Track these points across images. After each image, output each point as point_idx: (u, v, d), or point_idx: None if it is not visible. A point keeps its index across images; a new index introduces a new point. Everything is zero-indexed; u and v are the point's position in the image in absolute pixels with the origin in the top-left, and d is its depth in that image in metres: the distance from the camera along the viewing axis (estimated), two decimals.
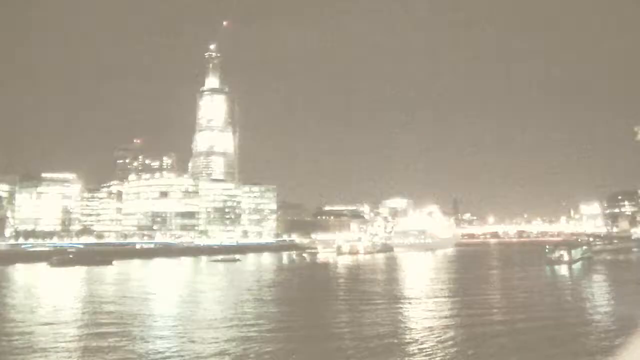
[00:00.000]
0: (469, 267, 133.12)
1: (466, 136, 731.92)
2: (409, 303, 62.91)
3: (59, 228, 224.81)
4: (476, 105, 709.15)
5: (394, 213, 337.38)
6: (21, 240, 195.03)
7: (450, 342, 39.94)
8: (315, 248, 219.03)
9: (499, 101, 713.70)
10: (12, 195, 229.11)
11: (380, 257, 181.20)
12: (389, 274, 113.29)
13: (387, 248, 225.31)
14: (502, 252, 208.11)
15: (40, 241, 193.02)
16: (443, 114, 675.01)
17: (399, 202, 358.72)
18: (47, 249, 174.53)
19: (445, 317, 51.97)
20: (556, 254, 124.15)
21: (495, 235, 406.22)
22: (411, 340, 40.84)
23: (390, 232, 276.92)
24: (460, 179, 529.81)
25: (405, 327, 47.46)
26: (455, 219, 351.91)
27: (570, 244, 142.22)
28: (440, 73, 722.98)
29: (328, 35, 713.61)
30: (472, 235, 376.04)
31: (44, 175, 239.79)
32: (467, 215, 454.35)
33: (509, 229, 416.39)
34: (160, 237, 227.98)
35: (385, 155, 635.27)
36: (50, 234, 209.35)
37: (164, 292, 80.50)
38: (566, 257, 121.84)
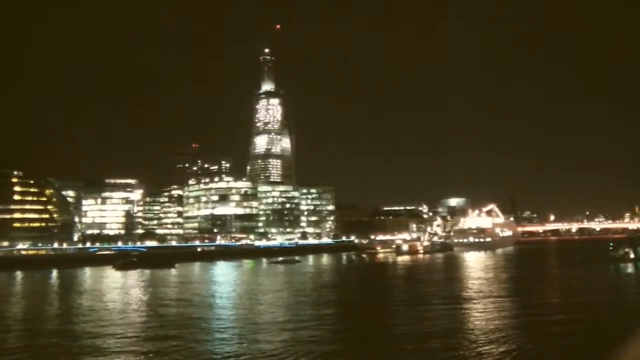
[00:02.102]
0: (529, 266, 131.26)
1: (524, 133, 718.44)
2: (469, 303, 62.13)
3: (122, 232, 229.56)
4: (533, 104, 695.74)
5: (453, 212, 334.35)
6: (88, 244, 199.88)
7: (510, 345, 39.50)
8: (374, 248, 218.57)
9: (556, 100, 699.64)
10: (78, 200, 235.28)
11: (440, 257, 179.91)
12: (448, 274, 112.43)
13: (446, 247, 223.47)
14: (563, 250, 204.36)
15: (105, 245, 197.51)
16: (501, 112, 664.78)
17: (457, 201, 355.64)
18: (111, 252, 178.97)
19: (505, 318, 51.26)
20: (620, 252, 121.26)
21: (555, 233, 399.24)
22: (471, 342, 40.57)
23: (449, 231, 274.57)
24: (519, 176, 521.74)
25: (465, 328, 46.95)
26: (514, 217, 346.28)
27: (635, 241, 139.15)
28: (493, 71, 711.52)
29: (382, 35, 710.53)
30: (532, 234, 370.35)
31: (107, 180, 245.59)
32: (526, 213, 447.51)
33: (570, 227, 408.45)
34: (221, 240, 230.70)
35: (443, 154, 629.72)
36: (114, 238, 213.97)
37: (225, 294, 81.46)
38: (631, 255, 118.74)
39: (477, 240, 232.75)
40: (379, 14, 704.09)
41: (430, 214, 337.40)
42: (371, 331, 46.03)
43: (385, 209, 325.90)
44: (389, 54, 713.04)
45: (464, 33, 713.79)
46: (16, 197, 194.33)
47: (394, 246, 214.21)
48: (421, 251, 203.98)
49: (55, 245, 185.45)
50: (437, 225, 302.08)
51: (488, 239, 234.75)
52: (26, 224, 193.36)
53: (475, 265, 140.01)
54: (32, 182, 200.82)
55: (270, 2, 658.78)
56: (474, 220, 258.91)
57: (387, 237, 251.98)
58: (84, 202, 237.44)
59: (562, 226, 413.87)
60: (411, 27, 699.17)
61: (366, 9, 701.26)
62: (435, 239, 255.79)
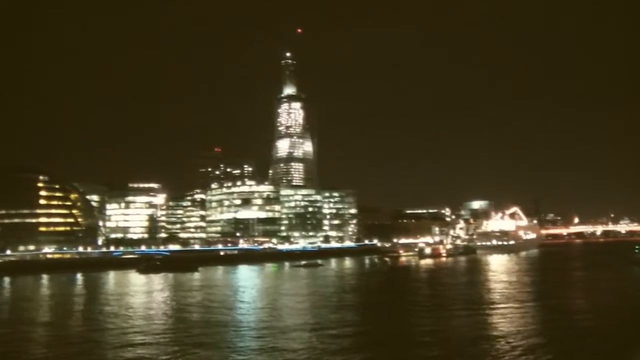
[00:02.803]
0: (553, 268, 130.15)
1: (546, 135, 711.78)
2: (494, 308, 61.68)
3: (146, 236, 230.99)
4: (556, 106, 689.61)
5: (475, 215, 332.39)
6: (112, 248, 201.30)
7: (537, 350, 39.17)
8: (397, 252, 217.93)
9: (582, 103, 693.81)
10: (102, 205, 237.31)
11: (463, 260, 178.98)
12: (472, 277, 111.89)
13: (469, 250, 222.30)
14: (588, 253, 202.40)
15: (129, 249, 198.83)
16: (522, 114, 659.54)
17: (480, 204, 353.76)
18: (135, 256, 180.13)
19: (530, 323, 50.85)
20: None
21: (580, 235, 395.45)
22: (498, 347, 40.29)
23: (472, 234, 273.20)
24: (542, 179, 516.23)
25: (491, 333, 46.57)
26: (538, 220, 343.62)
27: None
28: (515, 73, 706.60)
29: (402, 39, 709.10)
30: (556, 236, 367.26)
31: (130, 185, 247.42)
32: (550, 216, 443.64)
33: (595, 229, 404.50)
34: (244, 244, 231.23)
35: (465, 157, 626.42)
36: (138, 242, 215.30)
37: (248, 298, 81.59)
38: None
39: (500, 243, 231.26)
40: (400, 16, 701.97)
41: (453, 217, 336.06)
42: (394, 336, 45.86)
43: (408, 212, 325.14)
44: (410, 56, 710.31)
45: (488, 35, 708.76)
46: (42, 202, 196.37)
47: (416, 249, 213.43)
48: (444, 254, 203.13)
49: (80, 249, 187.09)
50: (460, 228, 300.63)
51: (511, 242, 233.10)
52: (52, 228, 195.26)
53: (499, 268, 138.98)
54: (57, 186, 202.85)
55: (291, 6, 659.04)
56: (497, 223, 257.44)
57: (410, 240, 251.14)
58: (107, 206, 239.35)
59: (586, 229, 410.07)
60: (429, 29, 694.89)
61: (389, 11, 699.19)
62: (458, 242, 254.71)
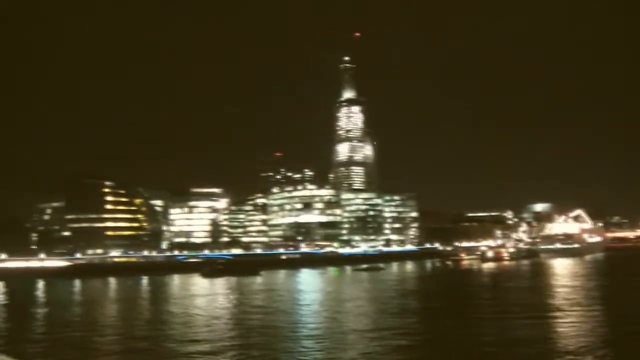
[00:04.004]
0: (619, 273, 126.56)
1: (610, 136, 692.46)
2: (558, 313, 59.97)
3: (209, 240, 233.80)
4: (620, 103, 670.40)
5: (538, 218, 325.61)
6: (175, 252, 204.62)
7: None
8: (458, 255, 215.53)
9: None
10: (166, 209, 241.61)
11: (526, 264, 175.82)
12: (536, 281, 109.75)
13: (532, 254, 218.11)
14: None
15: (192, 253, 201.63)
16: (586, 113, 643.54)
17: (542, 207, 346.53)
18: (198, 260, 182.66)
19: (597, 329, 49.42)
20: None
21: None
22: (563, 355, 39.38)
23: (535, 237, 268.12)
24: (608, 180, 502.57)
25: (556, 340, 45.48)
26: (603, 223, 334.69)
27: None
28: (575, 73, 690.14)
29: (461, 40, 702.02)
30: (622, 239, 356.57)
31: (193, 190, 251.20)
32: (616, 219, 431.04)
33: None
34: (305, 248, 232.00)
35: (527, 158, 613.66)
36: (201, 246, 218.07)
37: (309, 302, 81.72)
38: None
39: (564, 246, 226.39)
40: (460, 19, 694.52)
41: (515, 219, 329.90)
42: (456, 344, 45.17)
43: (469, 215, 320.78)
44: (467, 59, 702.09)
45: (554, 33, 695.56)
46: (108, 207, 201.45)
47: (478, 253, 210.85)
48: (507, 258, 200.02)
49: (145, 252, 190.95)
50: (523, 232, 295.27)
51: (576, 245, 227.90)
52: (118, 233, 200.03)
53: (563, 272, 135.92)
54: (123, 192, 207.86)
55: (349, 10, 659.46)
56: (561, 226, 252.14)
57: (472, 243, 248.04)
58: (171, 210, 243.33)
59: None
60: (488, 30, 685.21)
61: (447, 14, 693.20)
62: (521, 245, 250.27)
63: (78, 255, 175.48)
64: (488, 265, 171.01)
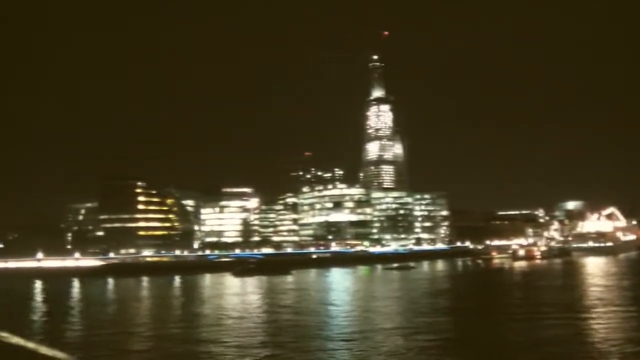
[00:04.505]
0: None
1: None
2: (592, 313, 59.25)
3: (240, 239, 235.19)
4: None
5: (570, 216, 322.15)
6: (207, 251, 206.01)
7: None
8: (490, 254, 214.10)
9: None
10: (197, 209, 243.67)
11: (558, 262, 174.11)
12: (568, 280, 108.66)
13: (564, 252, 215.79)
14: None
15: (223, 252, 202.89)
16: (618, 109, 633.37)
17: (574, 205, 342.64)
18: (229, 259, 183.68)
19: (631, 330, 48.62)
20: None
21: None
22: (596, 354, 39.06)
23: (567, 235, 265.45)
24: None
25: (588, 341, 44.85)
26: (637, 221, 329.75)
27: None
28: (608, 69, 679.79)
29: (491, 37, 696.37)
30: None
31: (224, 190, 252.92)
32: None
33: None
34: (335, 247, 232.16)
35: (557, 156, 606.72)
36: (232, 245, 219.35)
37: (340, 301, 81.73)
38: None
39: (597, 245, 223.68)
40: (487, 17, 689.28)
41: (547, 218, 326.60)
42: (487, 343, 45.01)
43: (500, 213, 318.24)
44: (500, 56, 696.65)
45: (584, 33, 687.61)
46: (140, 207, 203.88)
47: (509, 251, 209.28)
48: (538, 256, 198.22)
49: (177, 252, 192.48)
50: (555, 230, 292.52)
51: (609, 244, 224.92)
52: (150, 232, 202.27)
53: (597, 271, 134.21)
54: (154, 192, 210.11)
55: (377, 9, 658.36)
56: (594, 224, 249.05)
57: (503, 242, 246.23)
58: (202, 210, 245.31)
59: None
60: (518, 30, 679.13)
61: (474, 12, 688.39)
62: (553, 243, 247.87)
63: (111, 255, 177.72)
64: (519, 264, 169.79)
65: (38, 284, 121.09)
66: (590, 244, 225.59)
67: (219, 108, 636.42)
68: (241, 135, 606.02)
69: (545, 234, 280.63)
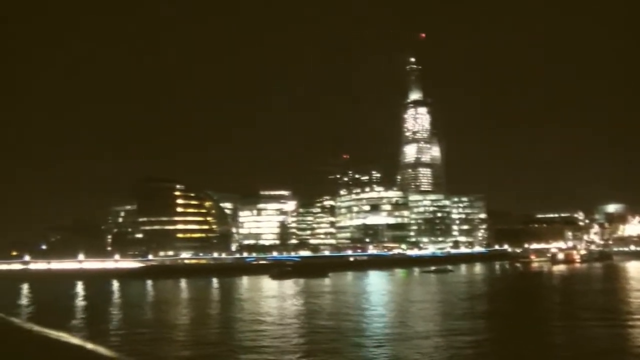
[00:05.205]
0: None
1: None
2: (633, 318, 57.81)
3: (277, 242, 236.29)
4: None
5: (611, 219, 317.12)
6: (245, 254, 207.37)
7: None
8: (528, 257, 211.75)
9: None
10: (235, 212, 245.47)
11: (598, 266, 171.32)
12: (609, 284, 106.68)
13: (605, 256, 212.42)
14: None
15: (261, 255, 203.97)
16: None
17: (615, 207, 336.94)
18: (267, 262, 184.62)
19: None
20: None
21: None
22: None
23: (608, 239, 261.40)
24: None
25: (629, 347, 44.02)
26: None
27: None
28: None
29: (527, 37, 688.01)
30: None
31: (262, 192, 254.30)
32: None
33: None
34: (373, 249, 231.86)
35: (599, 157, 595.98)
36: (269, 248, 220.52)
37: (378, 304, 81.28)
38: None
39: (639, 248, 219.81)
40: (527, 18, 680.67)
41: (587, 221, 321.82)
42: (524, 347, 44.43)
43: (539, 216, 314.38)
44: (537, 58, 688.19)
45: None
46: (179, 210, 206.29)
47: (548, 255, 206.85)
48: (578, 260, 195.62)
49: (215, 254, 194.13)
50: (595, 233, 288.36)
51: None
52: (188, 235, 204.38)
53: (638, 275, 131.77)
54: (192, 195, 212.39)
55: (413, 11, 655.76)
56: (635, 227, 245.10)
57: (542, 245, 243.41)
58: (240, 213, 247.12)
59: None
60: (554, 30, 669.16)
61: (516, 12, 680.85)
62: (593, 247, 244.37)
63: (150, 257, 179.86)
64: (559, 268, 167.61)
65: (80, 285, 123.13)
66: (632, 247, 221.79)
67: (254, 118, 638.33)
68: (280, 139, 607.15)
69: (585, 237, 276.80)
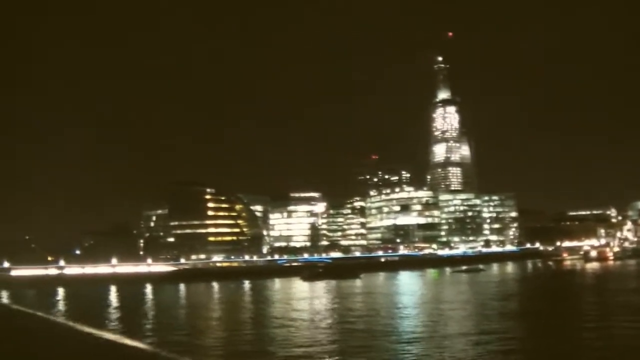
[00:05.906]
0: None
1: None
2: None
3: (308, 244, 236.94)
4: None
5: None
6: (276, 256, 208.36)
7: None
8: (560, 255, 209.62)
9: None
10: (265, 214, 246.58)
11: (632, 264, 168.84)
12: None
13: (638, 254, 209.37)
14: None
15: (292, 257, 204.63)
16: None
17: None
18: (298, 264, 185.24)
19: None
20: None
21: None
22: None
23: None
24: None
25: None
26: None
27: None
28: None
29: (556, 35, 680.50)
30: None
31: (292, 194, 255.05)
32: None
33: None
34: (404, 250, 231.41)
35: (631, 152, 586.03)
36: (300, 250, 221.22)
37: (410, 305, 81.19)
38: None
39: None
40: (555, 16, 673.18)
41: (620, 218, 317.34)
42: (556, 347, 44.19)
43: (571, 214, 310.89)
44: (565, 54, 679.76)
45: None
46: (210, 213, 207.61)
47: (581, 253, 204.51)
48: (611, 258, 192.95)
49: (246, 257, 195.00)
50: (628, 230, 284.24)
51: None
52: (219, 238, 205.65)
53: None
54: (223, 198, 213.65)
55: (441, 10, 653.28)
56: None
57: (574, 243, 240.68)
58: (271, 215, 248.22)
59: None
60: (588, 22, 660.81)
61: (541, 12, 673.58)
62: (626, 244, 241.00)
63: (182, 261, 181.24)
64: (592, 266, 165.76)
65: (113, 289, 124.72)
66: None
67: (284, 122, 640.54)
68: (309, 140, 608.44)
69: (618, 234, 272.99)
